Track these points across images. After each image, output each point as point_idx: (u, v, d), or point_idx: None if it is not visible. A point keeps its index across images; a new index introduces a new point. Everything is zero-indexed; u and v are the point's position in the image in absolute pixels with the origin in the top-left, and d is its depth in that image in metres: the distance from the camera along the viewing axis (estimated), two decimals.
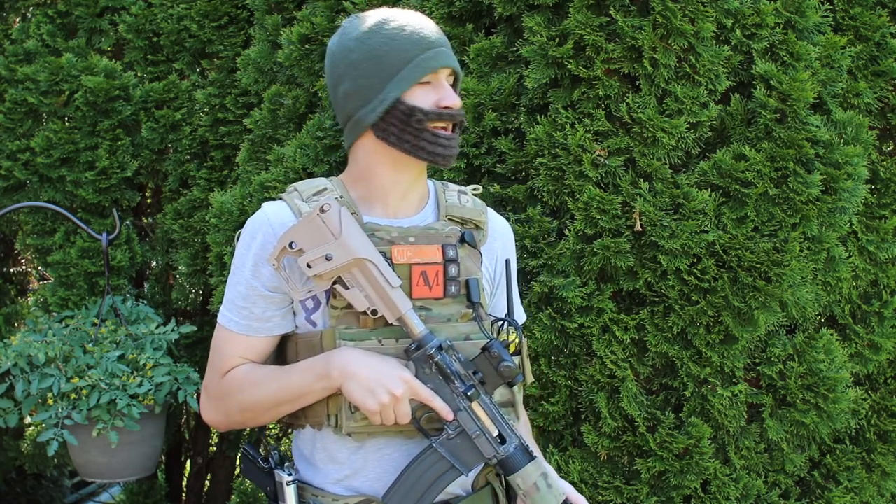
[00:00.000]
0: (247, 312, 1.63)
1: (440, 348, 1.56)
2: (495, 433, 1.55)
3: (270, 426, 4.34)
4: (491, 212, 1.79)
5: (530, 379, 1.75)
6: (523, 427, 1.76)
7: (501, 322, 1.69)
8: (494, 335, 1.67)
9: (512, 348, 1.67)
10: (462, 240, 1.67)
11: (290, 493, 1.67)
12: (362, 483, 1.64)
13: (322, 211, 1.57)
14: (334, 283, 1.58)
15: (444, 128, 1.61)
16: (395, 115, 1.59)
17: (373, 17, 1.65)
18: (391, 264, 1.60)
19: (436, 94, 1.60)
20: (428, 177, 1.76)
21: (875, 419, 2.52)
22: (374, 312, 1.57)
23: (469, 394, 1.55)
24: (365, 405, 1.51)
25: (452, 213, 1.71)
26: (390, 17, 1.63)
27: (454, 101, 1.60)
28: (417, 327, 1.56)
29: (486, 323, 1.66)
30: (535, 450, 1.61)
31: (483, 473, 1.73)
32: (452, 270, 1.64)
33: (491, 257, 1.75)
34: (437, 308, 1.63)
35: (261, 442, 4.32)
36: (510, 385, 1.59)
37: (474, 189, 1.79)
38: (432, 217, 1.71)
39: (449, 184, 1.79)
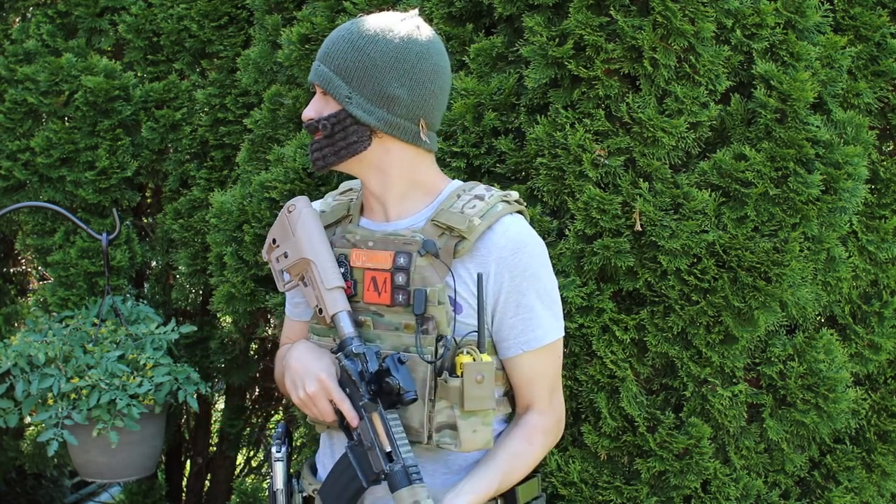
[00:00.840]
0: (289, 297, 1.89)
1: (348, 355, 1.59)
2: (388, 449, 1.53)
3: (270, 425, 4.35)
4: (501, 224, 1.67)
5: (484, 407, 1.62)
6: (501, 449, 1.68)
7: (461, 339, 1.62)
8: (440, 351, 1.60)
9: (458, 370, 1.60)
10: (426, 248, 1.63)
11: (277, 469, 1.76)
12: (322, 472, 1.78)
13: (288, 211, 1.73)
14: (301, 279, 1.69)
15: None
16: None
17: None
18: (350, 269, 1.67)
19: None
20: (465, 179, 1.85)
21: (875, 419, 2.52)
22: (320, 311, 1.65)
23: (361, 404, 1.57)
24: (290, 397, 1.67)
25: (439, 219, 1.66)
26: None
27: (304, 113, 1.70)
28: (345, 329, 1.62)
29: (429, 338, 1.60)
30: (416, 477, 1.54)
31: None
32: (399, 279, 1.63)
33: (471, 271, 1.65)
34: (389, 315, 1.65)
35: (260, 442, 4.33)
36: (402, 404, 1.55)
37: (505, 196, 1.72)
38: (423, 222, 1.70)
39: (478, 186, 1.73)
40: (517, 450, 1.70)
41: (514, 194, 1.74)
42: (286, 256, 1.70)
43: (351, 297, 1.66)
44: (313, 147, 1.68)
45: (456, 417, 1.60)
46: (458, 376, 1.59)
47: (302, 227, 1.68)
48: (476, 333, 1.60)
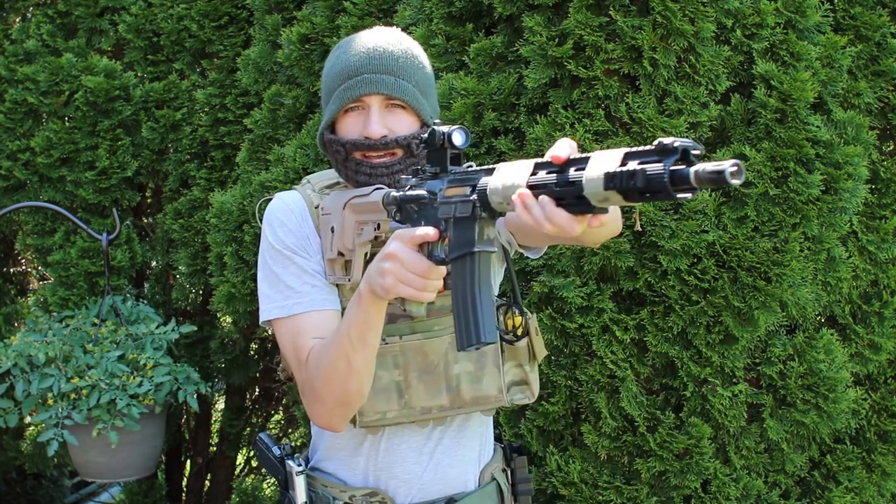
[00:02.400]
0: (320, 286, 1.62)
1: (403, 188, 1.45)
2: (468, 190, 1.33)
3: (270, 425, 4.35)
4: None
5: (543, 353, 1.73)
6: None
7: (506, 306, 1.66)
8: (501, 319, 1.65)
9: (519, 331, 1.66)
10: None
11: (299, 483, 1.71)
12: (368, 471, 1.68)
13: (322, 212, 1.63)
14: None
15: (370, 156, 1.58)
16: (325, 145, 1.64)
17: (339, 44, 1.68)
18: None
19: (363, 122, 1.59)
20: None
21: (875, 419, 2.52)
22: (379, 226, 1.53)
23: (428, 187, 1.40)
24: (386, 287, 1.37)
25: None
26: (343, 44, 1.65)
27: (372, 130, 1.57)
28: (379, 196, 1.50)
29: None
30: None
31: (489, 469, 1.75)
32: None
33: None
34: (441, 300, 1.60)
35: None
36: (454, 146, 1.40)
37: (468, 166, 1.72)
38: None
39: None
40: None
41: None
42: (332, 231, 1.59)
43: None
44: (395, 168, 1.57)
45: (527, 372, 1.70)
46: (517, 337, 1.64)
47: (333, 200, 1.63)
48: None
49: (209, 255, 3.04)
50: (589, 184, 1.06)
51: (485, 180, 1.27)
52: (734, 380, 2.30)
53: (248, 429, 4.10)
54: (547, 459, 2.35)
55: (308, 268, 1.62)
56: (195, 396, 3.06)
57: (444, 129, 1.38)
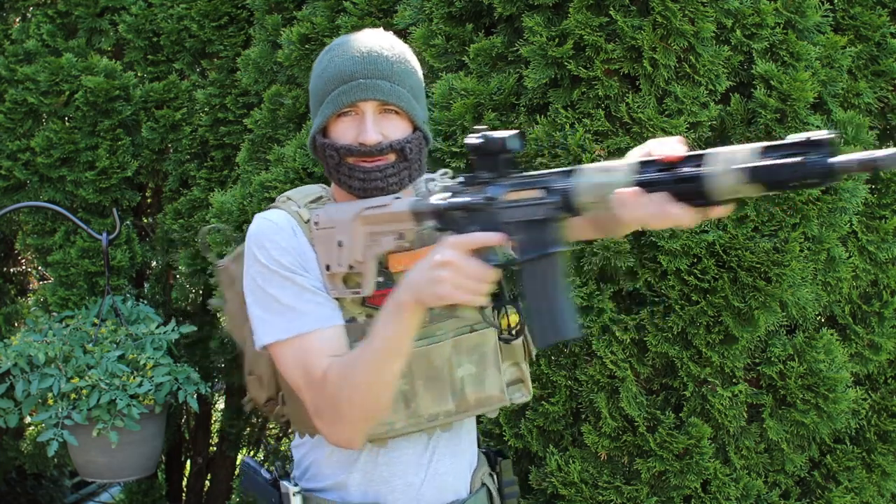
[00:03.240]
0: (324, 301, 1.58)
1: (455, 193, 1.44)
2: (541, 193, 1.33)
3: (270, 425, 4.35)
4: None
5: (534, 350, 1.74)
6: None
7: (502, 305, 1.60)
8: (496, 318, 1.59)
9: (515, 329, 1.61)
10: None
11: (296, 503, 1.67)
12: (368, 488, 1.65)
13: (315, 224, 1.60)
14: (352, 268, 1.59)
15: (363, 161, 1.57)
16: (317, 149, 1.62)
17: (329, 46, 1.65)
18: (391, 274, 1.59)
19: (356, 128, 1.57)
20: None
21: (875, 419, 2.52)
22: (402, 236, 1.52)
23: (489, 193, 1.38)
24: (442, 295, 1.35)
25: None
26: (335, 47, 1.62)
27: (368, 137, 1.55)
28: (433, 199, 1.47)
29: (487, 310, 1.56)
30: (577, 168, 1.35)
31: (478, 474, 1.75)
32: None
33: None
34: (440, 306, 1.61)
35: (260, 442, 4.33)
36: (508, 150, 1.38)
37: (444, 173, 1.65)
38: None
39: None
40: None
41: (447, 170, 1.69)
42: (340, 245, 1.56)
43: None
44: (388, 171, 1.56)
45: (523, 371, 1.71)
46: (513, 335, 1.58)
47: (336, 212, 1.60)
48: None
49: (209, 255, 3.04)
50: (718, 179, 1.14)
51: (564, 181, 1.31)
52: (734, 380, 2.30)
53: (248, 429, 4.10)
54: (547, 459, 2.35)
55: (308, 285, 1.58)
56: (195, 396, 3.06)
57: (499, 134, 1.37)
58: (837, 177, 1.08)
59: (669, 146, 1.22)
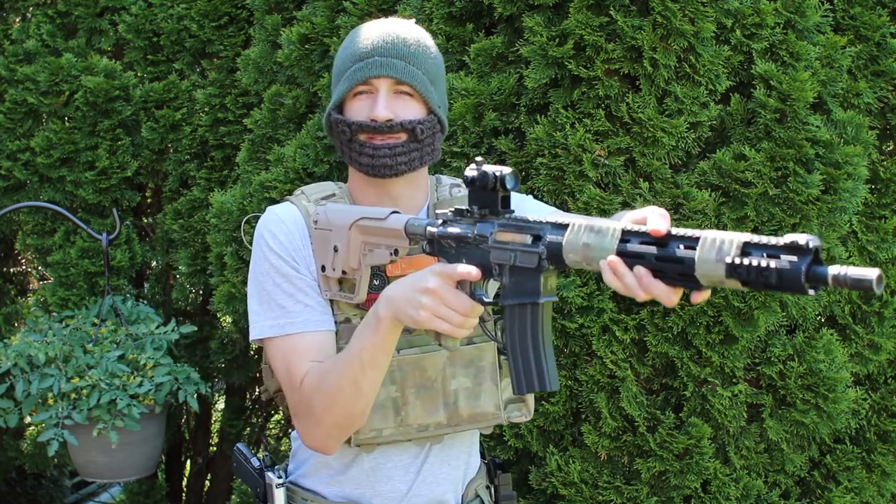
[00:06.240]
0: (314, 306, 1.59)
1: (445, 223, 1.43)
2: (529, 240, 1.32)
3: (270, 425, 4.35)
4: None
5: None
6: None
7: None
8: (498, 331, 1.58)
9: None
10: None
11: (279, 496, 1.68)
12: (351, 488, 1.66)
13: (315, 223, 1.61)
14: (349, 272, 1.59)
15: (374, 138, 1.57)
16: (330, 126, 1.63)
17: (354, 29, 1.67)
18: (386, 277, 1.59)
19: (370, 105, 1.58)
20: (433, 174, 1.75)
21: (875, 419, 2.52)
22: (395, 252, 1.52)
23: (478, 230, 1.37)
24: (418, 321, 1.37)
25: (441, 209, 1.60)
26: (357, 30, 1.65)
27: (378, 112, 1.56)
28: (423, 221, 1.48)
29: (489, 324, 1.58)
30: (567, 217, 1.32)
31: (473, 485, 1.74)
32: None
33: None
34: None
35: (260, 442, 4.33)
36: (505, 188, 1.37)
37: None
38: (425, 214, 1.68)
39: (442, 178, 1.75)
40: None
41: None
42: (336, 250, 1.56)
43: None
44: (397, 150, 1.56)
45: None
46: None
47: (335, 215, 1.59)
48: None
49: (209, 255, 3.04)
50: (704, 265, 1.10)
51: (556, 233, 1.27)
52: (734, 380, 2.30)
53: (248, 429, 4.10)
54: (547, 459, 2.35)
55: (301, 284, 1.59)
56: (195, 396, 3.06)
57: (496, 170, 1.35)
58: (820, 288, 1.03)
59: (656, 219, 1.18)
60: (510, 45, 2.42)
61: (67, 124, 3.53)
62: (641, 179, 2.28)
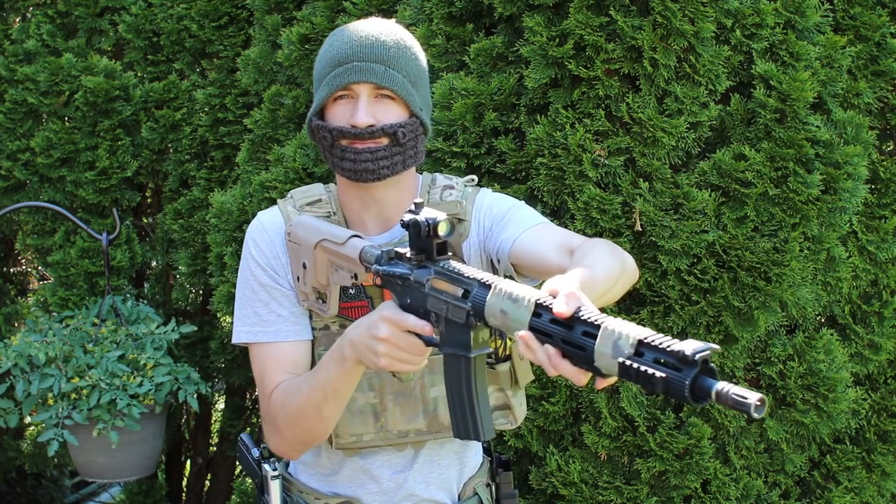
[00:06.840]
0: (287, 316, 1.63)
1: (378, 261, 1.43)
2: (460, 293, 1.32)
3: None
4: (480, 196, 1.68)
5: (528, 378, 1.69)
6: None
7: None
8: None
9: (500, 352, 1.60)
10: None
11: (274, 487, 1.72)
12: (343, 487, 1.69)
13: (289, 235, 1.62)
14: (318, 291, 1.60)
15: (355, 144, 1.56)
16: (312, 132, 1.62)
17: (332, 32, 1.66)
18: (362, 287, 1.59)
19: (350, 110, 1.57)
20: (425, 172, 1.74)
21: (875, 419, 2.52)
22: (355, 277, 1.52)
23: (415, 276, 1.37)
24: (380, 366, 1.40)
25: None
26: (337, 32, 1.63)
27: (358, 119, 1.55)
28: (360, 244, 1.48)
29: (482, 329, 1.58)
30: (491, 277, 1.30)
31: (472, 483, 1.74)
32: None
33: (475, 248, 1.65)
34: None
35: (260, 442, 4.33)
36: (439, 235, 1.37)
37: (469, 181, 1.70)
38: None
39: (438, 177, 1.73)
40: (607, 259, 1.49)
41: (473, 177, 1.73)
42: (304, 267, 1.57)
43: None
44: (379, 154, 1.56)
45: (509, 397, 1.67)
46: (498, 359, 1.60)
47: (304, 231, 1.59)
48: None
49: (209, 255, 3.04)
50: (601, 359, 1.09)
51: (481, 293, 1.26)
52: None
53: (249, 429, 4.10)
54: (547, 459, 2.35)
55: (277, 294, 1.62)
56: (195, 396, 3.06)
57: (430, 218, 1.34)
58: (703, 402, 1.01)
59: (560, 300, 1.13)
60: (510, 45, 2.42)
61: (67, 124, 3.53)
62: (641, 179, 2.28)
